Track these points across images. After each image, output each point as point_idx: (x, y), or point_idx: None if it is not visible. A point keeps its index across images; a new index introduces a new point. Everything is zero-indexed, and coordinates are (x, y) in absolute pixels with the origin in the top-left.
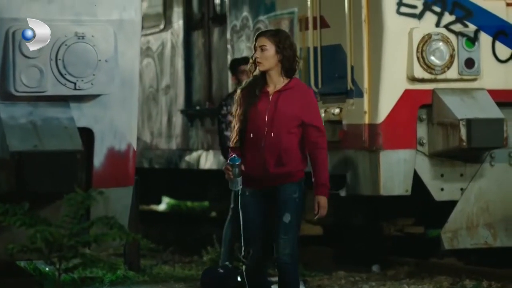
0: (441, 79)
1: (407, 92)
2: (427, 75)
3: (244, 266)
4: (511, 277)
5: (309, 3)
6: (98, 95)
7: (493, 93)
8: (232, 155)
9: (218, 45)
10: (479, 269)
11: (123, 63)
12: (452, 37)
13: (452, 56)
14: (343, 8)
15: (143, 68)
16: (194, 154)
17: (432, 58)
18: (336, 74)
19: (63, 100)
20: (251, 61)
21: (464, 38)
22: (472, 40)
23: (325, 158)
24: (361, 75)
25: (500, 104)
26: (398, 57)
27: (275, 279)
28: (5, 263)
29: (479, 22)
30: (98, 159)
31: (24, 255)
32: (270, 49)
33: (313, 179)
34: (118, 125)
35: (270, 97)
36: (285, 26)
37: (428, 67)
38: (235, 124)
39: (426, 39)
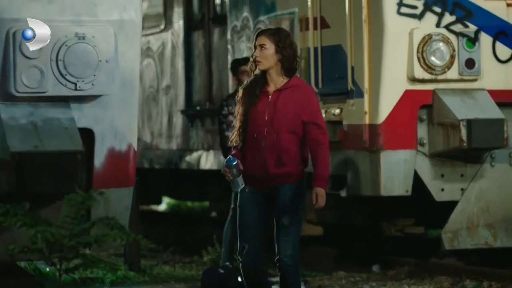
0: (441, 80)
1: (407, 93)
2: (427, 76)
3: (240, 264)
4: (511, 277)
5: (309, 3)
6: (98, 96)
7: (493, 93)
8: (228, 157)
9: (219, 46)
10: (479, 269)
11: (123, 63)
12: (452, 38)
13: (452, 57)
14: (344, 9)
15: (143, 69)
16: (195, 155)
17: (433, 58)
18: (337, 75)
19: (63, 101)
20: (251, 60)
21: (465, 39)
22: (473, 41)
23: (326, 154)
24: (362, 76)
25: (501, 105)
26: (399, 57)
27: (276, 279)
28: (5, 263)
29: (479, 22)
30: (99, 159)
31: (25, 255)
32: (270, 48)
33: (313, 174)
34: (118, 126)
35: (270, 97)
36: (285, 26)
37: (428, 67)
38: (236, 124)
39: (427, 40)
